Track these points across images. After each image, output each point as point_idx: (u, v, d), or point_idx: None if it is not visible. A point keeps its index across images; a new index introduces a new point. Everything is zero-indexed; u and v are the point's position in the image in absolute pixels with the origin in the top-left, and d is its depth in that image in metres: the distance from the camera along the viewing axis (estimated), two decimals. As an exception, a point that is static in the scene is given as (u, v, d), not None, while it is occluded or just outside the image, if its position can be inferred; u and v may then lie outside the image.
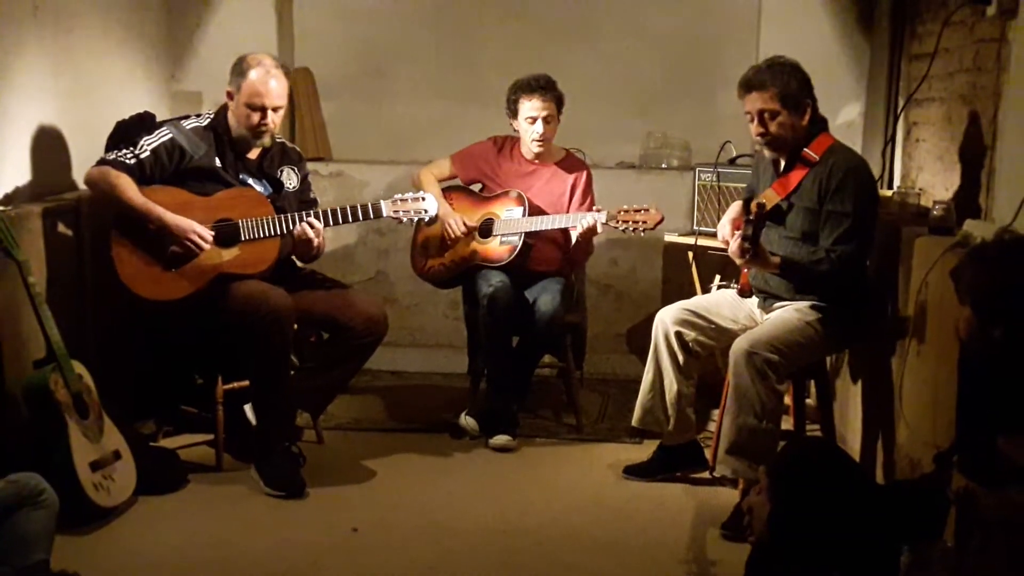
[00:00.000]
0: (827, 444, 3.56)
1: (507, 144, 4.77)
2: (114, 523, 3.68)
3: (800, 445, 3.44)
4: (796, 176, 3.80)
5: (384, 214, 4.19)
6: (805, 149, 3.80)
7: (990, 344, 2.38)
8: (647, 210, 4.36)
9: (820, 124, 3.85)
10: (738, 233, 3.73)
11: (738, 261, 3.76)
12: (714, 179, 4.74)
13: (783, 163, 3.89)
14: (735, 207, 4.16)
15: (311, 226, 4.06)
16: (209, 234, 3.98)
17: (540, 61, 4.75)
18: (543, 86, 4.54)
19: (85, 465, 3.58)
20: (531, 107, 4.54)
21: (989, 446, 2.37)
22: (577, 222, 4.42)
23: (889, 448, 3.73)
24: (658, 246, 5.28)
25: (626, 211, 4.37)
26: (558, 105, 4.59)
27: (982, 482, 2.34)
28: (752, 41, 5.27)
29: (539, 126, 4.55)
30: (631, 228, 4.36)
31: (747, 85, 3.80)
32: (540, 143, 4.60)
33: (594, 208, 4.46)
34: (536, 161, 4.70)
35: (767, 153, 3.90)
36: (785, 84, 3.74)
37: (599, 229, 4.39)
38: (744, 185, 4.34)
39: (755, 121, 3.80)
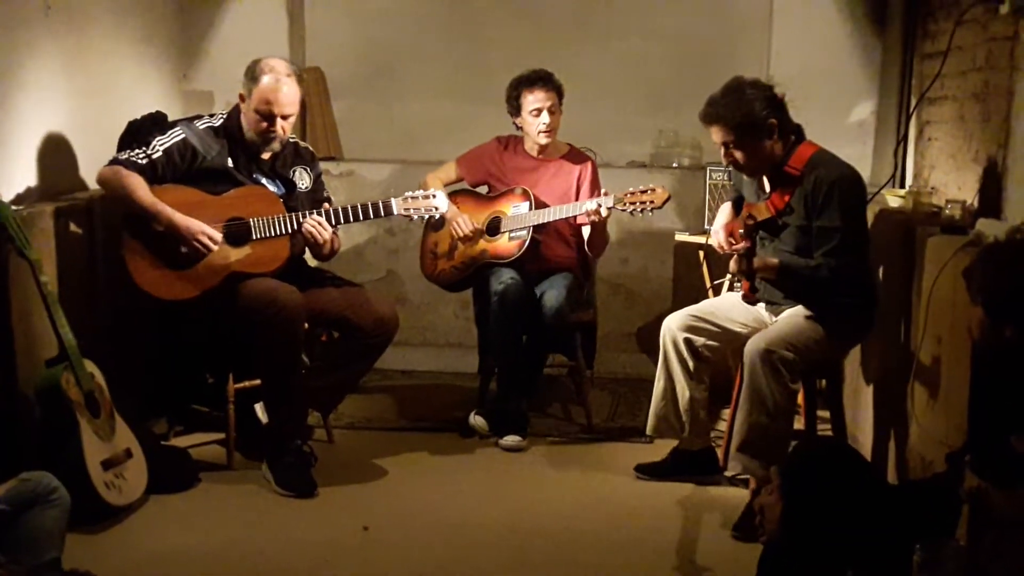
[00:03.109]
0: (838, 444, 3.56)
1: (511, 142, 4.78)
2: (125, 522, 3.68)
3: (811, 445, 3.44)
4: (784, 194, 3.76)
5: (395, 212, 4.19)
6: (785, 167, 3.75)
7: (1002, 344, 2.37)
8: (653, 190, 4.36)
9: (796, 135, 3.78)
10: (736, 252, 3.74)
11: (738, 275, 3.78)
12: (725, 178, 4.74)
13: (767, 181, 3.87)
14: (725, 210, 4.14)
15: (318, 224, 4.05)
16: (218, 235, 3.98)
17: (550, 61, 4.74)
18: (543, 77, 4.57)
19: (97, 464, 3.59)
20: (534, 99, 4.56)
21: (1001, 445, 2.36)
22: (583, 208, 4.42)
23: (901, 447, 3.72)
24: (669, 245, 5.27)
25: (632, 193, 4.37)
26: (559, 96, 4.61)
27: (994, 481, 2.33)
28: (764, 39, 5.26)
29: (545, 117, 4.56)
30: (639, 209, 4.36)
31: (704, 118, 3.77)
32: (547, 134, 4.60)
33: (601, 194, 4.47)
34: (541, 156, 4.71)
35: (744, 176, 3.90)
36: (742, 114, 3.67)
37: (604, 213, 4.38)
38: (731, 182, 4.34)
39: (722, 152, 3.79)
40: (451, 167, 4.82)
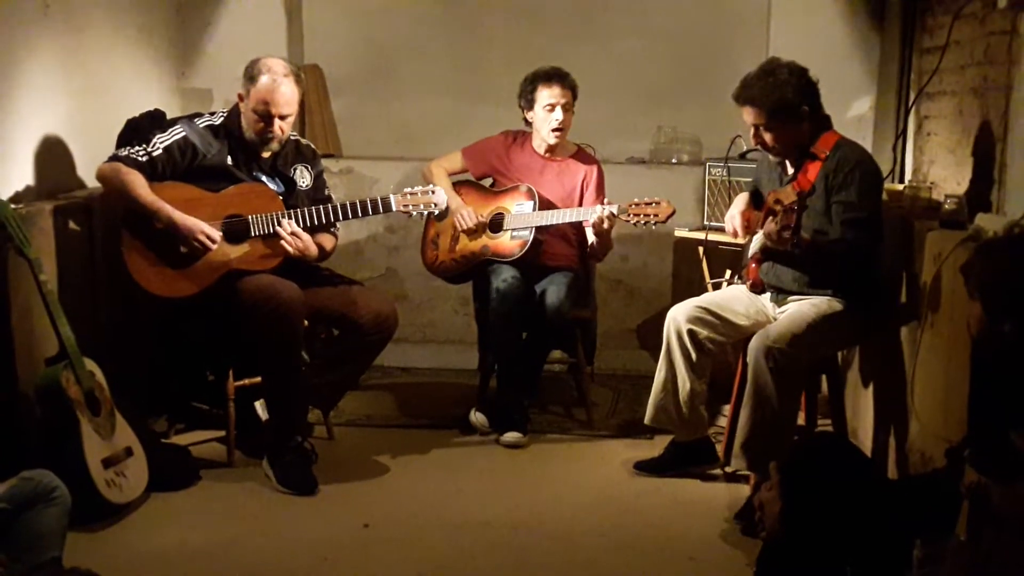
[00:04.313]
0: (839, 439, 3.56)
1: (519, 138, 4.77)
2: (126, 520, 3.69)
3: (811, 440, 3.43)
4: (810, 175, 3.78)
5: (393, 208, 4.19)
6: (811, 148, 3.78)
7: (1001, 339, 2.37)
8: (658, 203, 4.35)
9: (824, 122, 3.83)
10: (773, 220, 3.68)
11: (776, 247, 3.71)
12: (724, 174, 4.73)
13: (790, 165, 3.88)
14: (742, 199, 4.15)
15: (290, 233, 4.03)
16: (217, 234, 3.98)
17: (549, 58, 4.73)
18: (560, 75, 4.57)
19: (97, 462, 3.59)
20: (550, 95, 4.54)
21: (1001, 441, 2.36)
22: (588, 215, 4.42)
23: (901, 443, 3.72)
24: (668, 241, 5.27)
25: (637, 204, 4.37)
26: (574, 95, 4.60)
27: (994, 477, 2.33)
28: (762, 35, 5.25)
29: (558, 113, 4.55)
30: (642, 221, 4.36)
31: (737, 99, 3.79)
32: (558, 132, 4.59)
33: (605, 202, 4.46)
34: (547, 155, 4.69)
35: (771, 156, 3.91)
36: (775, 98, 3.70)
37: (606, 225, 4.38)
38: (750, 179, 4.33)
39: (752, 132, 3.81)
40: (457, 157, 4.81)
